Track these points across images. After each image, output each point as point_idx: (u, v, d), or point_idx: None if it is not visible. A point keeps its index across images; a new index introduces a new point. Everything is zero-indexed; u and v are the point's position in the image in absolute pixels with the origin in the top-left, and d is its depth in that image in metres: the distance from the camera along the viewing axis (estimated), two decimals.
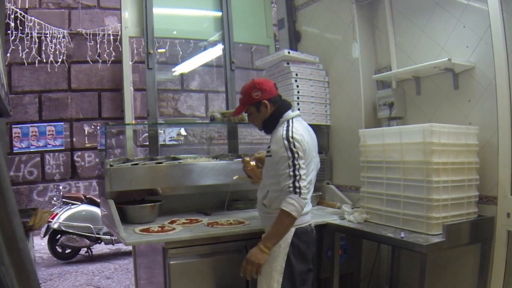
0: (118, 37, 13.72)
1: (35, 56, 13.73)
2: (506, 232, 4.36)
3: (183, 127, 13.92)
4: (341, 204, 5.81)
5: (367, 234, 4.79)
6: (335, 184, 6.42)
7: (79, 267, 9.96)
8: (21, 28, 13.37)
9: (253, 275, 4.15)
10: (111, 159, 5.39)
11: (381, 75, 5.77)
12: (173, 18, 6.86)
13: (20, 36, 13.35)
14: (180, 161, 5.73)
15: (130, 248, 8.55)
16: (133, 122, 7.53)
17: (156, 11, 6.44)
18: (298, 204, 3.97)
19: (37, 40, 13.68)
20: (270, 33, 7.48)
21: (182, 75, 15.08)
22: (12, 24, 13.00)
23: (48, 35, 13.86)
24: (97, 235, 10.34)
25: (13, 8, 13.06)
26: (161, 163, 5.61)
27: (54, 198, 11.30)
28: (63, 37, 14.12)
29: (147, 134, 9.53)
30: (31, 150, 14.11)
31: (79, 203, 10.69)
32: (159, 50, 13.63)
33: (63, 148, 14.44)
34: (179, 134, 14.48)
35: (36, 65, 13.87)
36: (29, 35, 13.50)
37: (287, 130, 4.16)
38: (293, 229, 4.19)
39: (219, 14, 6.99)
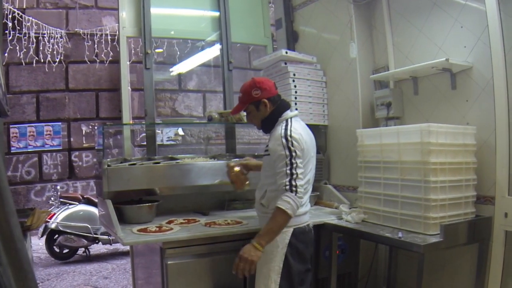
0: (116, 37, 13.68)
1: (33, 56, 13.76)
2: (503, 232, 4.37)
3: (180, 127, 13.92)
4: (338, 204, 5.80)
5: (365, 234, 4.78)
6: (332, 184, 6.42)
7: (76, 267, 9.96)
8: (18, 28, 13.39)
9: (246, 273, 4.12)
10: (108, 159, 5.38)
11: (378, 75, 5.77)
12: (171, 18, 6.86)
13: (17, 36, 13.38)
14: (177, 161, 5.73)
15: (127, 248, 8.53)
16: (131, 122, 7.52)
17: (154, 11, 6.43)
18: (294, 203, 3.96)
19: (34, 40, 13.72)
20: (268, 33, 7.48)
21: (179, 75, 15.10)
22: (10, 24, 13.03)
23: (45, 35, 13.88)
24: (94, 235, 10.34)
25: (11, 8, 13.08)
26: (158, 163, 5.60)
27: (52, 198, 11.34)
28: (61, 37, 14.14)
29: (144, 134, 9.52)
30: (29, 150, 14.13)
31: (77, 203, 10.69)
32: (157, 50, 13.64)
33: (61, 148, 14.46)
34: (176, 134, 14.48)
35: (34, 65, 13.90)
36: (27, 35, 13.53)
37: (286, 129, 4.16)
38: (291, 229, 4.19)
39: (217, 14, 6.99)
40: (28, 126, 14.10)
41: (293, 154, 4.04)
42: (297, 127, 4.25)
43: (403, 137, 4.63)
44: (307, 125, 4.55)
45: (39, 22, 13.75)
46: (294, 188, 3.98)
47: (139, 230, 4.64)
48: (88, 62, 14.54)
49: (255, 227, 4.66)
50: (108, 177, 5.14)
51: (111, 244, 10.75)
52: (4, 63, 13.50)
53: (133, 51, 13.03)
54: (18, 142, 14.00)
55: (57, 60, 14.05)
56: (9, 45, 13.31)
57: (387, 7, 5.79)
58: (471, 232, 4.44)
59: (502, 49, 4.37)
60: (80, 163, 14.70)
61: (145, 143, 8.23)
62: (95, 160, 14.22)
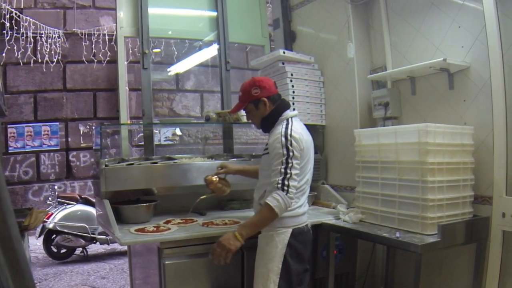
0: (113, 37, 13.69)
1: (30, 56, 13.76)
2: (501, 232, 4.37)
3: (178, 127, 13.92)
4: (336, 204, 5.80)
5: (362, 234, 4.78)
6: (330, 184, 6.42)
7: (74, 267, 9.96)
8: (16, 28, 13.39)
9: (221, 260, 4.15)
10: (106, 159, 5.38)
11: (376, 75, 5.77)
12: (168, 18, 6.86)
13: (15, 36, 13.38)
14: (175, 161, 5.73)
15: (125, 248, 8.52)
16: (128, 122, 7.53)
17: (152, 11, 6.43)
18: (283, 202, 3.98)
19: (32, 40, 13.70)
20: (265, 33, 7.48)
21: (177, 75, 15.09)
22: (7, 24, 13.04)
23: (43, 35, 13.89)
24: (92, 235, 10.35)
25: (8, 8, 13.08)
26: (156, 163, 5.60)
27: (49, 198, 11.31)
28: (58, 37, 14.14)
29: (142, 134, 9.52)
30: (26, 150, 14.13)
31: (74, 203, 10.70)
32: (154, 50, 13.62)
33: (58, 148, 14.46)
34: (174, 134, 14.47)
35: (31, 65, 13.89)
36: (24, 35, 13.52)
37: (286, 128, 4.17)
38: (290, 230, 4.20)
39: (214, 14, 6.98)
40: (26, 126, 14.10)
41: (290, 154, 4.04)
42: (298, 127, 4.26)
43: (400, 137, 4.63)
44: (305, 125, 4.55)
45: (37, 22, 13.74)
46: (285, 188, 4.00)
47: (137, 230, 4.64)
48: (86, 62, 14.54)
49: None
50: (106, 177, 5.14)
51: (108, 244, 10.76)
52: (1, 63, 13.54)
53: (130, 51, 13.05)
54: (16, 142, 13.99)
55: (55, 60, 14.04)
56: (6, 45, 13.31)
57: (385, 7, 5.79)
58: (469, 232, 4.44)
59: (499, 49, 4.37)
60: (78, 163, 14.70)
61: (142, 143, 8.24)
62: (92, 160, 14.27)
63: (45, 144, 14.30)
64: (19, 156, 14.06)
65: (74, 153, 14.66)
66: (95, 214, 6.36)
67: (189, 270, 4.54)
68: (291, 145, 4.06)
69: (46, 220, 9.99)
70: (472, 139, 4.63)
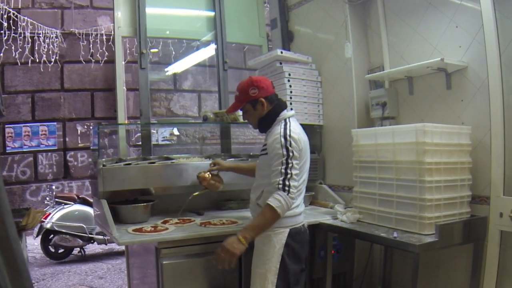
0: (111, 37, 13.71)
1: (28, 56, 13.74)
2: (498, 232, 4.37)
3: (176, 127, 13.93)
4: (333, 204, 5.81)
5: (360, 234, 4.79)
6: (327, 184, 6.42)
7: (72, 267, 9.96)
8: (14, 28, 13.37)
9: (225, 265, 4.12)
10: (104, 159, 5.37)
11: (373, 75, 5.77)
12: (166, 18, 6.85)
13: (13, 36, 13.36)
14: (173, 161, 5.72)
15: (123, 248, 8.53)
16: (126, 122, 7.52)
17: (149, 11, 6.43)
18: (285, 202, 3.97)
19: (30, 40, 13.68)
20: (263, 33, 7.47)
21: (175, 75, 15.09)
22: (5, 24, 13.02)
23: (41, 35, 13.86)
24: (90, 235, 10.35)
25: (6, 8, 13.06)
26: (154, 163, 5.60)
27: (47, 198, 11.29)
28: (56, 37, 14.12)
29: (140, 134, 9.53)
30: (24, 150, 14.11)
31: (72, 203, 10.70)
32: (152, 50, 13.63)
33: (56, 148, 14.45)
34: (172, 134, 14.48)
35: (29, 65, 13.88)
36: (22, 35, 13.50)
37: (285, 129, 4.17)
38: (287, 230, 4.19)
39: (212, 14, 6.98)
40: (23, 126, 14.09)
41: (290, 154, 4.05)
42: (296, 128, 4.27)
43: (398, 137, 4.63)
44: (302, 125, 4.56)
45: (34, 22, 13.72)
46: (287, 188, 3.99)
47: (134, 230, 4.63)
48: (83, 62, 14.52)
49: None
50: (103, 177, 5.14)
51: (106, 244, 10.76)
52: None
53: (128, 51, 13.05)
54: (13, 142, 13.98)
55: (52, 60, 14.04)
56: (4, 45, 13.30)
57: (382, 7, 5.79)
58: (466, 232, 4.44)
59: (497, 49, 4.37)
60: (75, 163, 14.69)
61: (140, 143, 8.23)
62: (90, 160, 14.24)
63: (42, 144, 14.28)
64: (17, 156, 14.05)
65: (72, 153, 14.65)
66: (93, 214, 6.38)
67: (186, 270, 4.54)
68: (290, 145, 4.06)
69: (44, 220, 10.00)
70: (469, 139, 4.64)
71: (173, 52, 13.68)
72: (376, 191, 4.90)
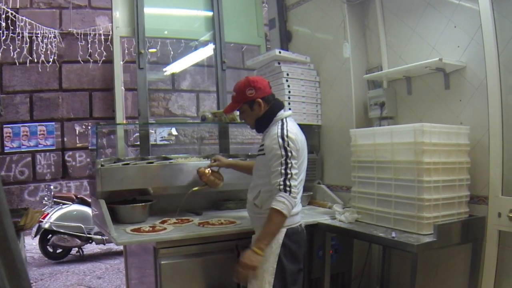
0: (109, 37, 13.65)
1: (26, 56, 13.75)
2: (497, 232, 4.37)
3: (174, 127, 13.92)
4: (332, 204, 5.81)
5: (358, 234, 4.79)
6: (326, 184, 6.42)
7: (70, 267, 9.95)
8: (12, 28, 13.38)
9: (248, 279, 4.13)
10: (102, 159, 5.37)
11: (372, 75, 5.77)
12: (164, 18, 6.85)
13: (11, 36, 13.37)
14: (171, 161, 5.73)
15: (121, 248, 8.52)
16: (124, 122, 7.51)
17: (147, 11, 6.42)
18: (289, 203, 3.96)
19: (28, 40, 13.70)
20: (261, 33, 7.47)
21: (173, 75, 15.09)
22: (3, 24, 13.03)
23: (39, 35, 13.87)
24: (88, 235, 10.33)
25: (4, 8, 13.07)
26: (152, 163, 5.60)
27: (45, 198, 11.32)
28: (54, 37, 14.12)
29: (138, 134, 9.51)
30: (22, 150, 14.11)
31: (70, 203, 10.69)
32: (150, 50, 13.63)
33: (54, 148, 14.45)
34: (170, 134, 14.48)
35: (27, 65, 13.88)
36: (20, 35, 13.51)
37: (282, 129, 4.16)
38: (284, 230, 4.17)
39: (210, 14, 6.97)
40: (22, 126, 14.09)
41: (289, 154, 4.04)
42: (293, 128, 4.26)
43: (396, 137, 4.63)
44: (301, 124, 4.56)
45: (33, 22, 13.73)
46: (288, 188, 3.98)
47: (133, 230, 4.63)
48: (82, 62, 14.52)
49: (249, 227, 4.67)
50: (102, 177, 5.13)
51: (104, 244, 10.74)
52: None
53: (126, 51, 13.02)
54: (12, 142, 13.98)
55: (51, 60, 14.04)
56: (2, 45, 13.31)
57: (381, 6, 5.79)
58: (465, 232, 4.44)
59: (495, 49, 4.37)
60: (74, 163, 14.69)
61: (138, 143, 8.23)
62: (88, 160, 14.22)
63: (41, 144, 14.29)
64: (15, 156, 14.05)
65: (70, 153, 14.65)
66: (91, 214, 6.38)
67: (185, 270, 4.53)
68: (288, 145, 4.05)
69: (42, 220, 9.98)
70: (468, 139, 4.64)
71: (171, 52, 13.69)
72: (375, 191, 4.90)
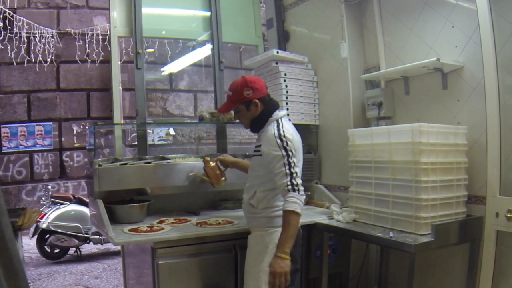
0: (107, 37, 13.68)
1: (24, 55, 13.75)
2: (494, 232, 4.37)
3: (172, 127, 13.92)
4: (330, 204, 5.80)
5: (356, 234, 4.79)
6: (323, 184, 6.42)
7: (67, 267, 9.96)
8: (10, 27, 13.38)
9: (282, 286, 4.07)
10: (99, 159, 5.37)
11: (369, 75, 5.77)
12: (162, 18, 6.85)
13: (9, 35, 13.38)
14: (168, 161, 5.72)
15: (119, 248, 8.51)
16: (122, 122, 7.52)
17: (145, 10, 6.42)
18: (300, 201, 3.99)
19: (26, 39, 13.68)
20: (259, 33, 7.47)
21: (171, 75, 15.07)
22: (1, 24, 13.06)
23: (37, 35, 13.87)
24: (85, 235, 10.35)
25: (2, 7, 13.06)
26: (150, 163, 5.59)
27: (43, 198, 11.30)
28: (52, 36, 14.12)
29: (135, 134, 9.51)
30: (20, 150, 14.11)
31: (68, 203, 10.70)
32: (148, 50, 13.60)
33: (52, 148, 14.45)
34: (167, 134, 14.47)
35: (25, 64, 13.88)
36: (18, 35, 13.50)
37: (278, 129, 4.16)
38: (280, 229, 4.15)
39: (208, 14, 6.97)
40: (19, 126, 14.09)
41: (290, 153, 4.06)
42: (289, 128, 4.27)
43: (394, 137, 4.63)
44: (298, 124, 4.57)
45: (30, 22, 13.72)
46: (296, 187, 4.01)
47: (130, 230, 4.63)
48: (79, 62, 14.52)
49: (246, 227, 4.65)
50: (99, 177, 5.13)
51: (102, 244, 10.75)
52: None
53: (124, 51, 13.01)
54: (9, 142, 13.98)
55: (48, 60, 14.03)
56: (0, 44, 13.29)
57: (378, 6, 5.79)
58: (462, 232, 4.44)
59: (493, 49, 4.37)
60: (71, 163, 14.69)
61: (136, 143, 8.24)
62: (86, 160, 14.26)
63: (38, 144, 14.29)
64: (13, 156, 14.05)
65: (68, 153, 14.65)
66: (89, 214, 6.35)
67: (182, 270, 4.53)
68: (287, 145, 4.07)
69: (40, 220, 9.99)
70: (465, 139, 4.64)
71: (169, 52, 13.67)
72: (372, 191, 4.90)
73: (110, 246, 11.31)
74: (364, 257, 5.87)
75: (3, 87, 13.84)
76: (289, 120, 4.77)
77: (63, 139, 14.55)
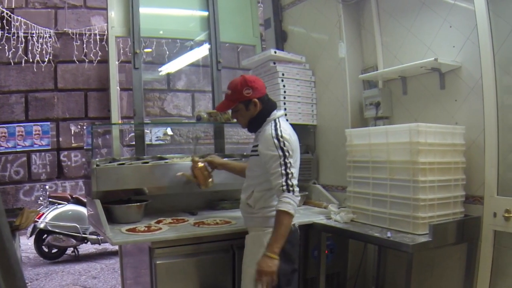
0: (105, 37, 13.70)
1: (22, 55, 13.72)
2: (492, 232, 4.37)
3: (169, 127, 13.92)
4: (327, 203, 5.80)
5: (354, 234, 4.78)
6: (321, 184, 6.42)
7: (65, 267, 9.95)
8: (7, 27, 13.35)
9: (269, 285, 4.08)
10: (97, 159, 5.37)
11: (367, 75, 5.77)
12: (160, 18, 6.85)
13: (6, 35, 13.35)
14: (166, 160, 5.72)
15: (116, 247, 8.52)
16: (120, 122, 7.51)
17: (143, 10, 6.42)
18: (294, 202, 3.99)
19: (23, 39, 13.66)
20: (257, 33, 7.47)
21: (168, 74, 15.07)
22: None
23: (34, 35, 13.84)
24: (83, 235, 10.33)
25: None
26: (147, 162, 5.59)
27: (41, 198, 11.29)
28: (50, 36, 14.10)
29: (133, 134, 9.52)
30: (18, 149, 14.09)
31: (66, 202, 10.69)
32: (146, 50, 13.61)
33: (50, 147, 14.42)
34: (165, 134, 14.48)
35: (23, 64, 13.86)
36: (16, 35, 13.48)
37: (276, 130, 4.16)
38: None
39: (206, 13, 6.97)
40: (17, 126, 14.07)
41: (286, 154, 4.05)
42: (286, 128, 4.27)
43: (392, 137, 4.63)
44: (296, 124, 4.57)
45: (28, 21, 13.70)
46: (291, 188, 4.01)
47: (128, 230, 4.63)
48: (77, 62, 14.49)
49: (244, 227, 4.65)
50: (97, 177, 5.13)
51: (100, 244, 10.75)
52: None
53: (122, 51, 13.01)
54: (7, 142, 13.96)
55: (46, 59, 14.02)
56: None
57: (376, 6, 5.79)
58: (460, 232, 4.44)
59: (491, 49, 4.37)
60: (69, 163, 14.67)
61: (134, 143, 8.24)
62: (84, 160, 14.21)
63: (36, 144, 14.26)
64: (10, 156, 14.03)
65: (65, 153, 14.63)
66: (86, 214, 6.37)
67: (180, 269, 4.54)
68: (284, 145, 4.07)
69: (37, 220, 9.99)
70: (463, 139, 4.64)
71: (167, 52, 13.66)
72: (370, 191, 4.90)
73: (108, 246, 11.28)
74: (362, 257, 5.87)
75: (1, 87, 13.83)
76: (287, 120, 4.78)
77: (60, 139, 14.53)
